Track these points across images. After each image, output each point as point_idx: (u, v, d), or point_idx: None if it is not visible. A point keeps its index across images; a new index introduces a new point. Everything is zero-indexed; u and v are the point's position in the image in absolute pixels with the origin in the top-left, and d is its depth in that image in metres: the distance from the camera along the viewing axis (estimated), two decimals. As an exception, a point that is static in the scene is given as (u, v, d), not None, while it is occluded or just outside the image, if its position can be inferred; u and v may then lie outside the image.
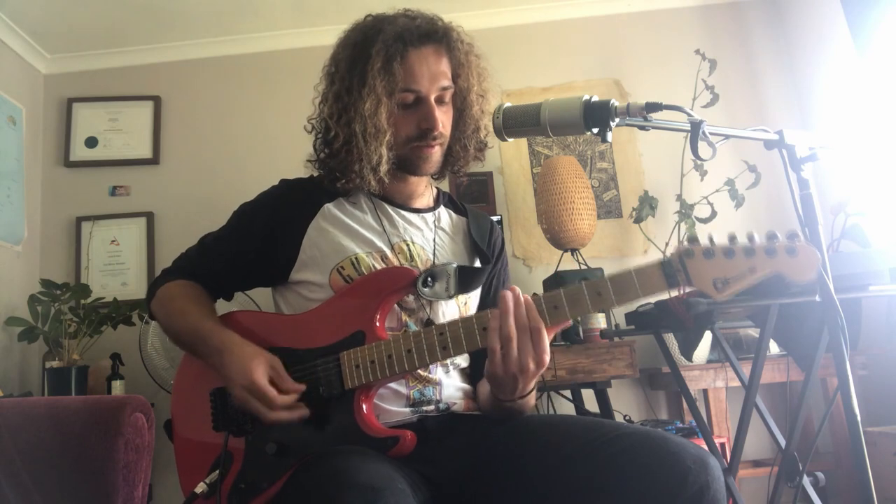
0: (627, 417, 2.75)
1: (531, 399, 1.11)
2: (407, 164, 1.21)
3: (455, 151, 1.27)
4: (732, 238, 0.93)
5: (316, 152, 1.25)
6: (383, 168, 1.17)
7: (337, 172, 1.20)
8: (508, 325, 0.97)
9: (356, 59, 1.17)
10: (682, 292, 0.95)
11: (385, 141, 1.15)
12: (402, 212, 1.26)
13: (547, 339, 0.99)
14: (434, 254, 1.24)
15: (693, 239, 0.95)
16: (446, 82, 1.19)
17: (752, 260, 0.92)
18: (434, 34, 1.18)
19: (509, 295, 0.99)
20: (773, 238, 0.92)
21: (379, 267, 1.16)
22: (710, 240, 0.94)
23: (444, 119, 1.20)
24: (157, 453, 1.59)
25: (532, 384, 1.05)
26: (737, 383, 2.23)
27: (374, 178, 1.18)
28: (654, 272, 0.95)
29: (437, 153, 1.21)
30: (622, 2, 3.36)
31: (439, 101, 1.19)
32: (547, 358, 0.99)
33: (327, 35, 1.28)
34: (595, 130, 1.01)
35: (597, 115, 1.01)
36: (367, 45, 1.16)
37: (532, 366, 0.98)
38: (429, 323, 1.16)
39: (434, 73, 1.17)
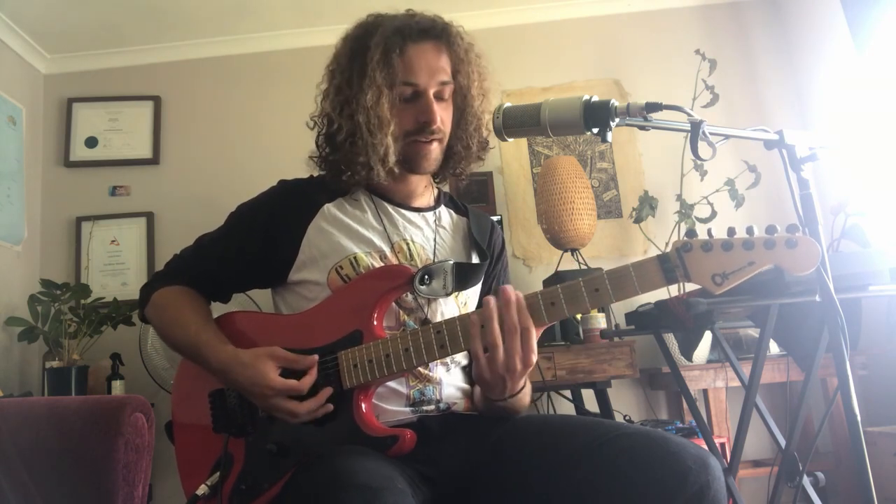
0: (627, 417, 2.75)
1: (524, 397, 1.11)
2: (407, 162, 1.21)
3: (457, 151, 1.26)
4: (731, 232, 0.93)
5: (318, 149, 1.25)
6: (391, 158, 1.17)
7: (342, 166, 1.20)
8: (493, 330, 0.98)
9: (356, 52, 1.18)
10: (680, 288, 0.95)
11: (390, 131, 1.16)
12: (403, 210, 1.26)
13: (535, 339, 0.99)
14: (434, 252, 1.23)
15: (691, 233, 0.95)
16: (445, 77, 1.19)
17: (750, 253, 0.91)
18: (433, 30, 1.19)
19: (492, 299, 1.00)
20: (772, 231, 0.92)
21: (378, 266, 1.15)
22: (709, 233, 0.94)
23: (443, 115, 1.20)
24: (157, 453, 1.59)
25: (521, 383, 1.05)
26: (737, 383, 2.23)
27: (383, 170, 1.17)
28: (652, 267, 0.95)
29: (436, 150, 1.21)
30: (622, 2, 3.36)
31: (438, 96, 1.19)
32: (534, 358, 0.99)
33: (327, 35, 1.28)
34: (595, 130, 1.01)
35: (597, 115, 1.00)
36: (366, 38, 1.17)
37: (519, 366, 0.98)
38: (425, 322, 1.16)
39: (433, 68, 1.17)
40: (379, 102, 1.14)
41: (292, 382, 1.04)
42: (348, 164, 1.18)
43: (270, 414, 1.07)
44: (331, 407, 1.06)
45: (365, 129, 1.14)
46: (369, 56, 1.15)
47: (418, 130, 1.18)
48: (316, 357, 1.07)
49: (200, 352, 1.13)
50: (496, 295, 1.01)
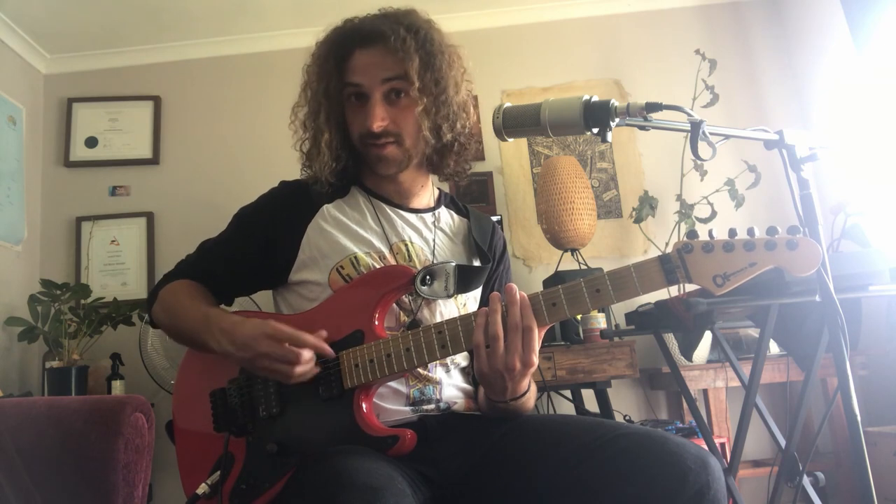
0: (627, 417, 2.75)
1: (528, 402, 1.11)
2: (371, 166, 1.23)
3: (430, 155, 1.24)
4: (732, 233, 0.93)
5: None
6: (333, 165, 1.20)
7: (312, 173, 1.25)
8: (496, 323, 0.98)
9: (308, 66, 1.24)
10: (680, 288, 0.96)
11: (324, 139, 1.19)
12: (401, 212, 1.26)
13: (537, 340, 0.99)
14: (433, 254, 1.23)
15: (692, 234, 0.95)
16: (390, 74, 1.16)
17: (751, 254, 0.92)
18: (378, 35, 1.17)
19: (497, 295, 1.01)
20: (773, 232, 0.92)
21: (378, 267, 1.15)
22: (710, 234, 0.94)
23: (396, 116, 1.18)
24: (157, 453, 1.59)
25: (523, 386, 1.05)
26: (737, 383, 2.23)
27: (328, 178, 1.21)
28: (654, 268, 0.95)
29: (391, 152, 1.19)
30: (622, 2, 3.36)
31: (391, 97, 1.18)
32: (535, 359, 0.99)
33: (327, 35, 1.28)
34: (595, 130, 1.01)
35: (597, 115, 1.00)
36: (315, 52, 1.23)
37: (518, 365, 0.98)
38: (414, 323, 1.15)
39: (375, 68, 1.17)
40: (318, 113, 1.19)
41: (294, 332, 1.02)
42: (314, 172, 1.23)
43: (262, 372, 1.05)
44: (318, 369, 1.05)
45: (312, 140, 1.21)
46: (310, 69, 1.22)
47: (370, 134, 1.17)
48: (312, 337, 1.05)
49: (210, 322, 1.10)
50: (494, 294, 1.01)
